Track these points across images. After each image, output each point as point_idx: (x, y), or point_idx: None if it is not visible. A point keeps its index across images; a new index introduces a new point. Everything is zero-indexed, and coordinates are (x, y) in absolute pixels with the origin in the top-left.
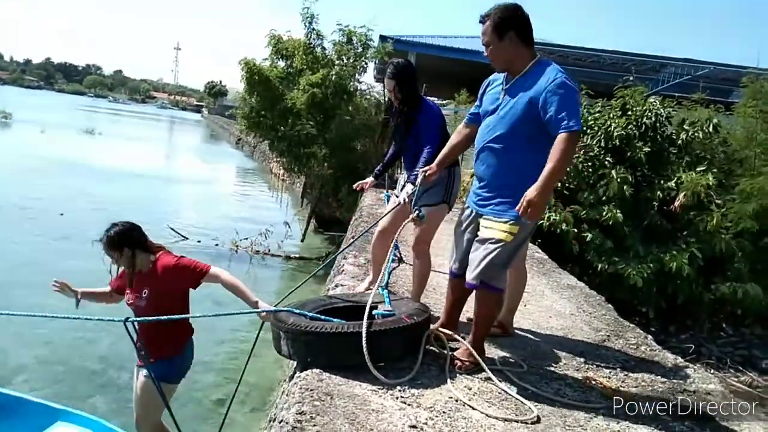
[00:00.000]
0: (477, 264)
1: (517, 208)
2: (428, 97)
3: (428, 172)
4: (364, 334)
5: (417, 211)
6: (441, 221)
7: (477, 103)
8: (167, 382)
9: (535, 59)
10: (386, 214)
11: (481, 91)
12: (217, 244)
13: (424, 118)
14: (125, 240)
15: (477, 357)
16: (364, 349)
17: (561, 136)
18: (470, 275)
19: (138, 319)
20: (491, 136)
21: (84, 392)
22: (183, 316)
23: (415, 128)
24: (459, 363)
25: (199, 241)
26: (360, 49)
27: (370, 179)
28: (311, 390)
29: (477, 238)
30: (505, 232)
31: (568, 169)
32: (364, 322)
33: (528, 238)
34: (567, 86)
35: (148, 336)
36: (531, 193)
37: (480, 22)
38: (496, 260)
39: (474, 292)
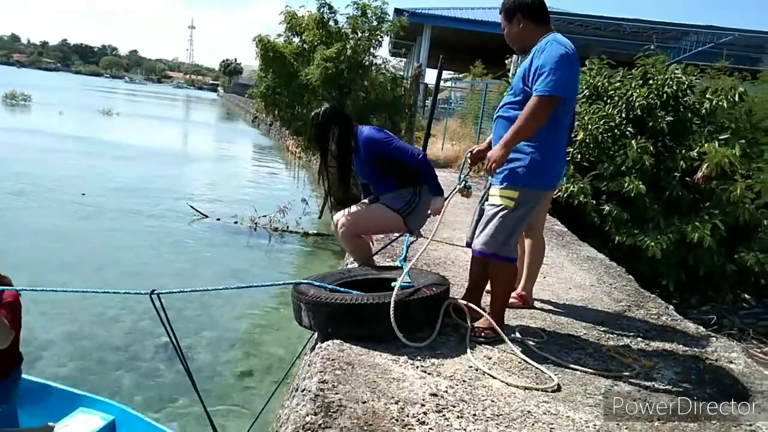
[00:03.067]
0: (480, 232)
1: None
2: (444, 71)
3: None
4: (392, 303)
5: (464, 182)
6: (382, 227)
7: None
8: None
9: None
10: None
11: None
12: (236, 222)
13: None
14: None
15: (497, 327)
16: (392, 316)
17: (531, 99)
18: (475, 243)
19: (164, 291)
20: (500, 107)
21: (110, 367)
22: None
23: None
24: (479, 333)
25: (218, 219)
26: (375, 23)
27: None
28: (333, 360)
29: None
30: (504, 197)
31: (587, 140)
32: (395, 290)
33: (534, 208)
34: (550, 51)
35: None
36: (493, 150)
37: (500, 13)
38: (499, 229)
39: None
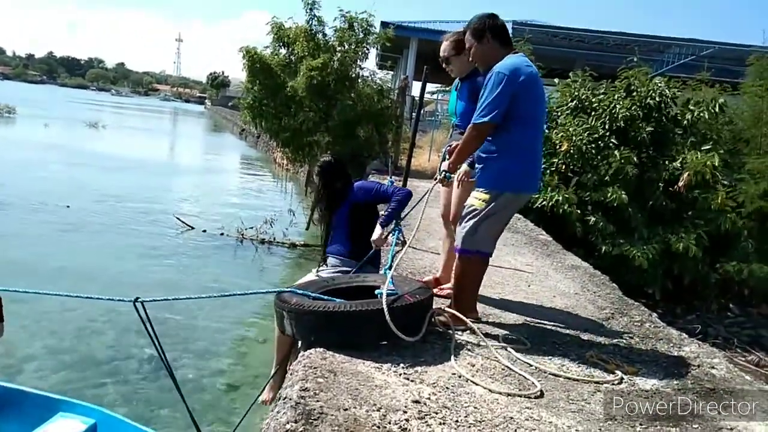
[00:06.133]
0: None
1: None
2: (431, 83)
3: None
4: (384, 306)
5: (444, 173)
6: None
7: None
8: None
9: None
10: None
11: None
12: (222, 233)
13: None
14: None
15: (459, 315)
16: (386, 316)
17: (469, 126)
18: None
19: (148, 299)
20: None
21: (92, 381)
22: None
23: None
24: (442, 319)
25: (204, 231)
26: (361, 35)
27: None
28: (315, 368)
29: None
30: (476, 198)
31: (571, 151)
32: (384, 292)
33: (508, 209)
34: (490, 80)
35: None
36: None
37: (463, 33)
38: (469, 225)
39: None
